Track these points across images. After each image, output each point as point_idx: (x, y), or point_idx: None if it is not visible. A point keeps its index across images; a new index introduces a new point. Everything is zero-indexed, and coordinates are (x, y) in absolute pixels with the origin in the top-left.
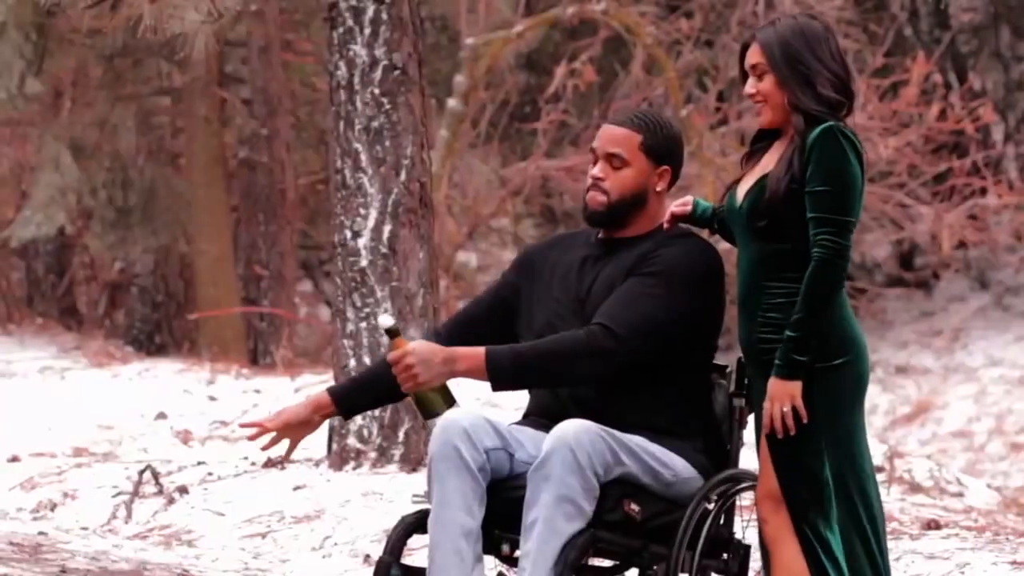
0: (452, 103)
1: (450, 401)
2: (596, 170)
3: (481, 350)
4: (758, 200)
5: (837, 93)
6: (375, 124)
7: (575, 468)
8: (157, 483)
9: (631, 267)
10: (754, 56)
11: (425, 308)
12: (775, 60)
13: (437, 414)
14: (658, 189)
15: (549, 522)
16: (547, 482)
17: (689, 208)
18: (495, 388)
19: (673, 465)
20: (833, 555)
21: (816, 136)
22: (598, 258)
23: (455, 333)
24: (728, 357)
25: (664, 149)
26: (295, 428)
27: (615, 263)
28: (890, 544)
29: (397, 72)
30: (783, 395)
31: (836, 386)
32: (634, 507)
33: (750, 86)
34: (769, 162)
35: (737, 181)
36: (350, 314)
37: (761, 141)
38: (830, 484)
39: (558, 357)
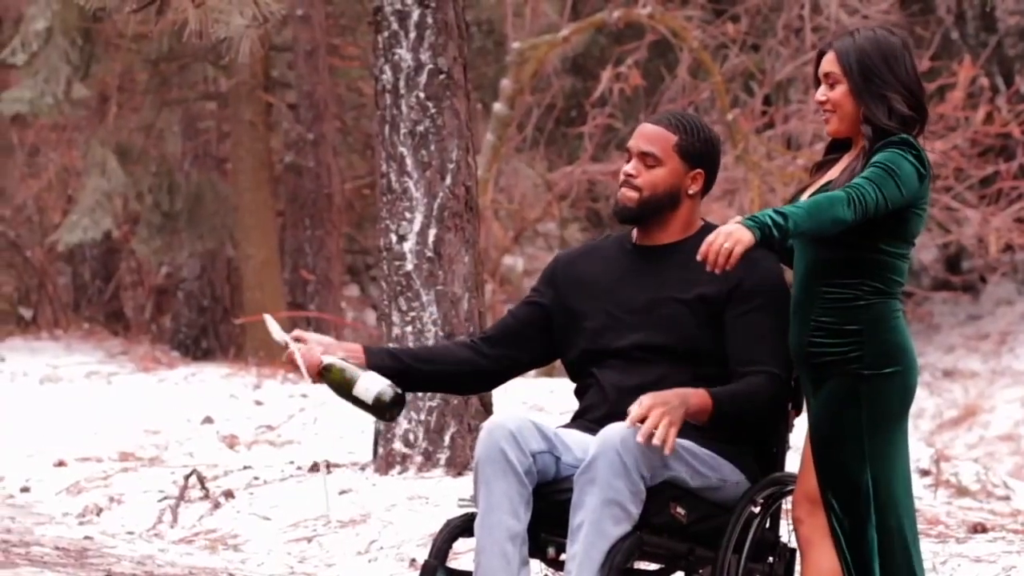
0: (498, 107)
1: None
2: (629, 167)
3: (705, 392)
4: None
5: (910, 110)
6: (420, 128)
7: (621, 471)
8: (203, 487)
9: (727, 294)
10: (829, 64)
11: (470, 312)
12: (851, 71)
13: (351, 387)
14: (691, 192)
15: (596, 525)
16: (593, 485)
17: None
18: (711, 426)
19: (720, 469)
20: (866, 561)
21: (885, 143)
22: (642, 268)
23: (502, 347)
24: None
25: (699, 152)
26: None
27: (666, 273)
28: (936, 548)
29: (442, 76)
30: (735, 235)
31: (884, 394)
32: (680, 510)
33: (821, 93)
34: (836, 173)
35: (802, 190)
36: (395, 318)
37: (833, 153)
38: (870, 490)
39: (760, 401)
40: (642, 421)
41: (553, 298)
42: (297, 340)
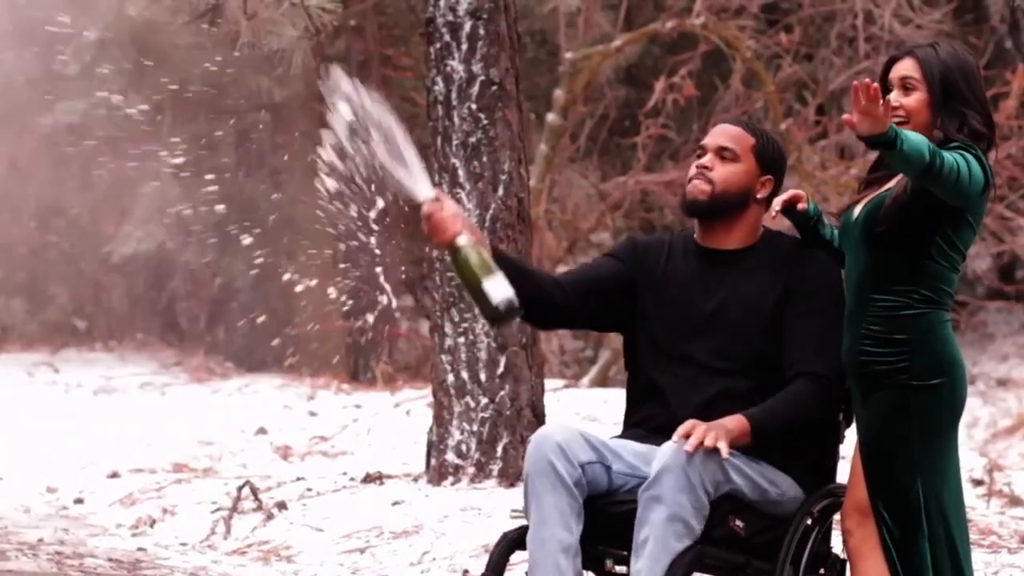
0: (551, 117)
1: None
2: (704, 160)
3: (740, 416)
4: (878, 208)
5: (982, 128)
6: (472, 140)
7: (687, 488)
8: (256, 499)
9: (783, 293)
10: (909, 69)
11: (524, 324)
12: (933, 80)
13: (490, 272)
14: (759, 196)
15: (661, 540)
16: (659, 502)
17: (805, 205)
18: (757, 446)
19: (780, 483)
20: (918, 572)
21: (951, 148)
22: (709, 273)
23: (573, 294)
24: None
25: (773, 158)
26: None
27: (733, 280)
28: (988, 558)
29: (494, 87)
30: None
31: (933, 405)
32: (739, 523)
33: (894, 98)
34: (892, 183)
35: (855, 203)
36: (448, 329)
37: (880, 169)
38: (920, 501)
39: (802, 407)
40: (687, 437)
41: (628, 271)
42: (436, 200)
